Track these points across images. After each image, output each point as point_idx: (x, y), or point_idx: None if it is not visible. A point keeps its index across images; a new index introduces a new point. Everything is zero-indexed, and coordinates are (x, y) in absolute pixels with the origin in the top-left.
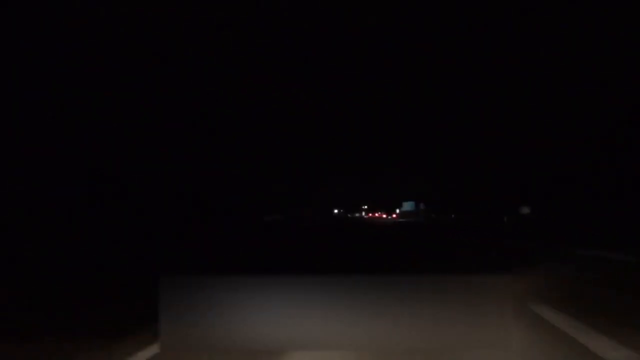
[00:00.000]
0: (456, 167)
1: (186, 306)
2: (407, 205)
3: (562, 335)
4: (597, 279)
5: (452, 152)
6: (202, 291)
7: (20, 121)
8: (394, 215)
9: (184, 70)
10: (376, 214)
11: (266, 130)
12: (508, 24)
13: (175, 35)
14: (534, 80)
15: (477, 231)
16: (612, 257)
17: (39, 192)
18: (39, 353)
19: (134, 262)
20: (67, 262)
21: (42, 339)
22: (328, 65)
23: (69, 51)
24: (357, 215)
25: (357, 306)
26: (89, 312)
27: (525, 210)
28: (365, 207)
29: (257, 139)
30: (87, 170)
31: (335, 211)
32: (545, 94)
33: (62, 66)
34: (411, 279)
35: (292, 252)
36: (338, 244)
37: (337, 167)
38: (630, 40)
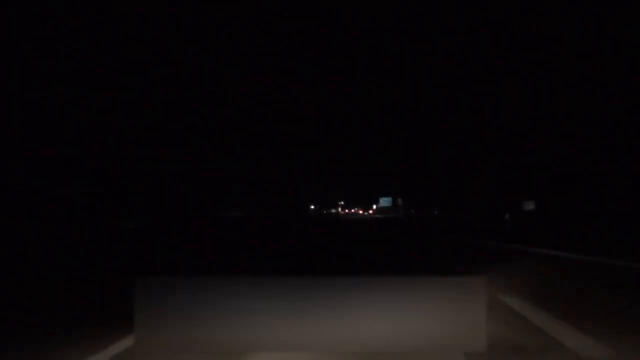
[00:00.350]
0: (448, 165)
1: (162, 307)
2: (384, 201)
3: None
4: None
5: (447, 151)
6: (178, 292)
7: (20, 121)
8: (371, 211)
9: (184, 70)
10: (352, 210)
11: (252, 128)
12: (508, 24)
13: (175, 35)
14: (534, 80)
15: (460, 229)
16: (563, 256)
17: (39, 192)
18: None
19: (133, 262)
20: (67, 262)
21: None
22: (327, 65)
23: (69, 51)
24: (332, 211)
25: (337, 307)
26: (63, 313)
27: (530, 206)
28: (342, 203)
29: (241, 137)
30: (87, 170)
31: (312, 207)
32: (545, 93)
33: (62, 66)
34: (385, 280)
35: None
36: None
37: (315, 164)
38: (630, 40)
